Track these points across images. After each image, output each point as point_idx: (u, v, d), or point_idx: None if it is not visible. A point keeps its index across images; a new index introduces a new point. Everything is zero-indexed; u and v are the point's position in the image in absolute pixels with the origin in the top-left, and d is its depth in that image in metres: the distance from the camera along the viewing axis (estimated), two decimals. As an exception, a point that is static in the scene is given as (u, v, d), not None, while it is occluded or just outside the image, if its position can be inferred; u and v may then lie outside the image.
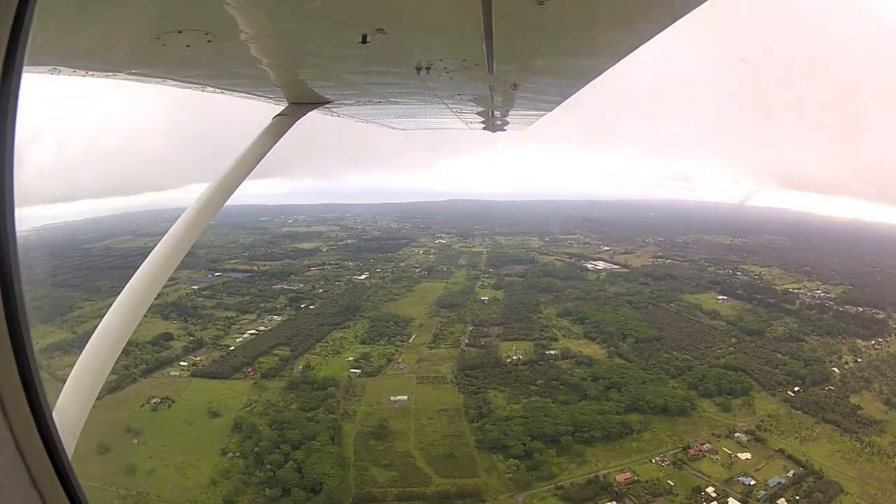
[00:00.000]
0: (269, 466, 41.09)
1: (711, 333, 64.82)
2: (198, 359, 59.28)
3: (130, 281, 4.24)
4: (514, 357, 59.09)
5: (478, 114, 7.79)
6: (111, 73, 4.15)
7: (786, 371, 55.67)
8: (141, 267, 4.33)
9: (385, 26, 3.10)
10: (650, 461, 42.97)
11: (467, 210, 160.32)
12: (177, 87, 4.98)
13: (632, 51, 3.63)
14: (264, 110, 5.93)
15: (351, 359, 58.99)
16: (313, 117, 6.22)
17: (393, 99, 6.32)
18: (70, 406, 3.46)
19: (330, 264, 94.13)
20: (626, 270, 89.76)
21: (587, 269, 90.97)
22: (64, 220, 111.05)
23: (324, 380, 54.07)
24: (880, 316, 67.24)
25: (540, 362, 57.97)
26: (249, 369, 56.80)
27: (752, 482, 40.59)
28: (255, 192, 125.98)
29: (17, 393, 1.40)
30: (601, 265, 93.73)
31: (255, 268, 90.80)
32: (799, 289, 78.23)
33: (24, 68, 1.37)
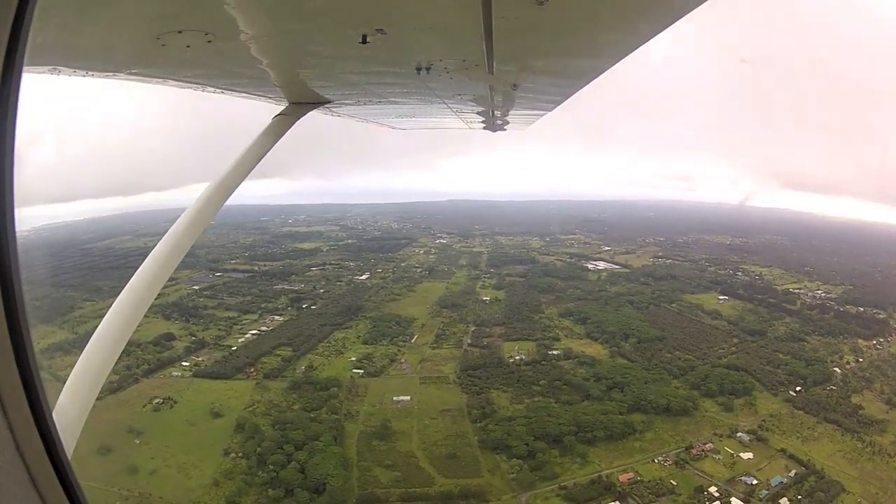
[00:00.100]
0: (271, 467, 41.03)
1: (713, 333, 64.96)
2: (200, 359, 59.18)
3: (130, 281, 4.24)
4: (517, 357, 59.13)
5: (478, 114, 7.78)
6: (111, 73, 4.15)
7: (787, 371, 55.81)
8: (141, 267, 4.33)
9: (385, 26, 3.10)
10: (653, 461, 43.05)
11: (467, 210, 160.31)
12: (177, 87, 4.97)
13: (632, 51, 3.62)
14: (264, 110, 5.93)
15: (353, 359, 58.96)
16: (313, 117, 6.22)
17: (393, 99, 6.31)
18: (70, 406, 3.45)
19: (331, 264, 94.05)
20: (627, 270, 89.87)
21: (588, 270, 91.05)
22: (64, 220, 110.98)
23: (326, 380, 54.04)
24: (881, 316, 67.41)
25: (542, 362, 58.01)
26: (252, 369, 56.72)
27: (755, 482, 40.69)
28: (255, 193, 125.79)
29: (17, 393, 1.40)
30: (602, 265, 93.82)
31: (256, 268, 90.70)
32: (800, 289, 78.42)
33: (24, 68, 1.36)
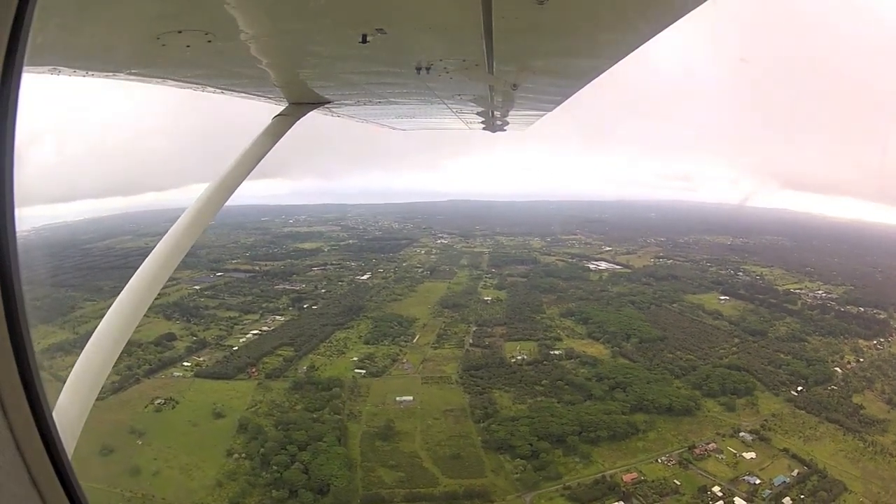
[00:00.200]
0: (275, 468, 40.94)
1: (714, 333, 65.11)
2: (201, 359, 59.02)
3: (130, 281, 4.23)
4: (519, 357, 59.16)
5: (478, 114, 7.78)
6: (111, 73, 4.14)
7: (789, 371, 55.98)
8: (141, 267, 4.32)
9: (385, 26, 3.10)
10: (656, 461, 43.13)
11: (468, 210, 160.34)
12: (177, 87, 4.96)
13: (632, 51, 3.62)
14: (264, 110, 5.93)
15: (355, 359, 58.90)
16: (313, 117, 6.22)
17: (393, 99, 6.31)
18: (70, 406, 3.45)
19: (332, 264, 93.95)
20: (629, 271, 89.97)
21: (589, 270, 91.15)
22: (64, 220, 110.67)
23: (328, 380, 53.97)
24: (881, 316, 67.63)
25: (544, 362, 58.05)
26: (253, 370, 56.60)
27: (758, 481, 40.83)
28: (255, 193, 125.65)
29: (17, 393, 1.40)
30: (603, 265, 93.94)
31: (257, 268, 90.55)
32: (800, 289, 78.61)
33: (24, 68, 1.36)
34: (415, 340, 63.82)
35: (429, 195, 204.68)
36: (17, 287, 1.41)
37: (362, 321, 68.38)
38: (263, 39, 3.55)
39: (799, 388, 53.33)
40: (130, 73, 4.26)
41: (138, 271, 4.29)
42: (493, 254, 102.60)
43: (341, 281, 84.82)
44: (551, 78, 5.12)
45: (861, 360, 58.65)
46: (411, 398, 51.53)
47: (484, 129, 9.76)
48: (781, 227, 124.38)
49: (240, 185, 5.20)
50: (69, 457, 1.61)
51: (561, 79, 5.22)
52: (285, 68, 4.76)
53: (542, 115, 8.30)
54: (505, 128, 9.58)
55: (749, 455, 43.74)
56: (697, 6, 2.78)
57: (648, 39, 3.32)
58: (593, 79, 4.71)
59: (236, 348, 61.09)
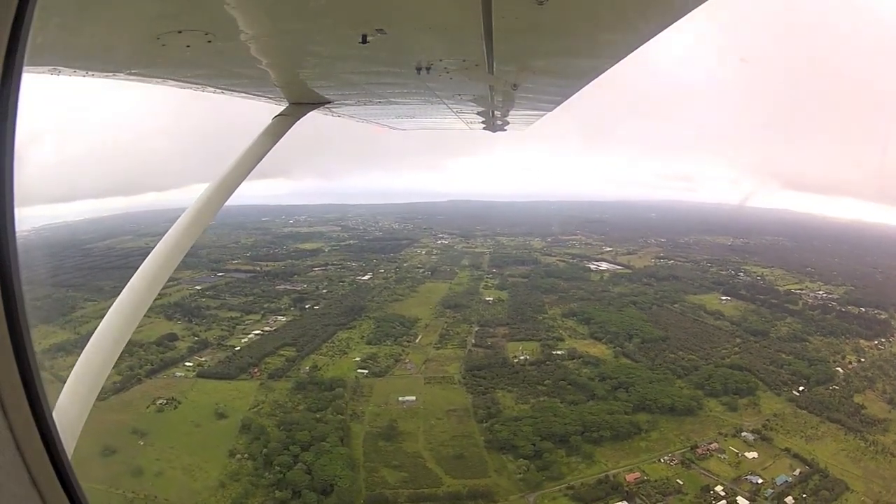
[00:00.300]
0: (278, 468, 40.87)
1: (716, 334, 65.23)
2: (203, 359, 58.92)
3: (130, 281, 4.23)
4: (521, 357, 59.18)
5: (478, 114, 7.78)
6: (111, 73, 4.14)
7: (790, 371, 56.12)
8: (141, 267, 4.32)
9: (385, 26, 3.10)
10: (659, 461, 43.19)
11: (468, 211, 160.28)
12: (177, 88, 4.96)
13: (632, 51, 3.62)
14: (264, 110, 5.92)
15: (358, 359, 58.87)
16: (313, 117, 6.22)
17: (393, 99, 6.31)
18: (70, 406, 3.45)
19: (333, 265, 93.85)
20: (629, 271, 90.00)
21: (590, 270, 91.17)
22: (64, 220, 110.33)
23: (331, 380, 53.91)
24: (882, 316, 67.80)
25: (547, 362, 58.10)
26: (256, 370, 56.54)
27: (760, 481, 40.92)
28: (255, 193, 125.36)
29: (17, 393, 1.40)
30: (604, 266, 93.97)
31: (258, 268, 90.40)
32: (801, 289, 78.76)
33: (24, 68, 1.36)
34: (417, 341, 63.81)
35: (429, 195, 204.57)
36: (17, 287, 1.41)
37: (364, 321, 68.34)
38: (263, 39, 3.55)
39: (800, 388, 53.46)
40: (130, 73, 4.26)
41: (138, 271, 4.30)
42: (494, 254, 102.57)
43: (342, 281, 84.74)
44: (551, 78, 5.12)
45: (862, 360, 58.81)
46: (414, 398, 51.51)
47: (484, 128, 9.76)
48: (782, 228, 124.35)
49: (240, 185, 5.21)
50: (69, 457, 1.61)
51: (561, 79, 5.21)
52: (285, 68, 4.75)
53: (542, 115, 8.29)
54: (505, 128, 9.57)
55: (751, 455, 43.85)
56: (697, 6, 2.78)
57: (648, 39, 3.32)
58: (593, 79, 4.70)
59: (238, 348, 60.98)
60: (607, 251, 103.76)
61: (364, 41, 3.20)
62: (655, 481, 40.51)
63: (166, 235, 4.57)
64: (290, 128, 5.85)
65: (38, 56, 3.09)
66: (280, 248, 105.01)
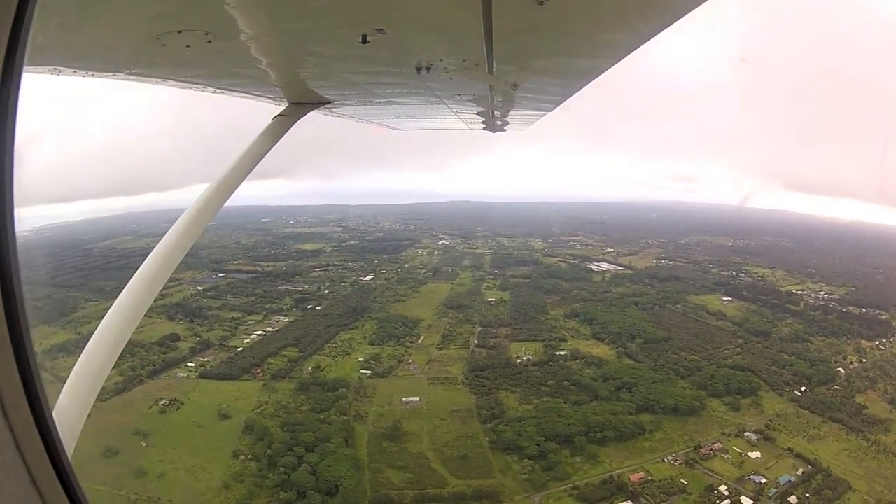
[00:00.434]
0: (282, 469, 40.76)
1: (718, 334, 65.41)
2: (205, 360, 58.76)
3: (130, 281, 4.22)
4: (524, 358, 59.22)
5: (478, 114, 7.79)
6: (111, 73, 4.14)
7: (792, 371, 56.35)
8: (141, 267, 4.31)
9: (385, 26, 3.10)
10: (663, 461, 43.30)
11: (468, 211, 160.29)
12: (177, 88, 4.96)
13: (632, 51, 3.63)
14: (264, 110, 5.92)
15: (360, 360, 58.80)
16: (313, 117, 6.22)
17: (393, 99, 6.30)
18: (70, 406, 3.46)
19: (334, 265, 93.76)
20: (631, 272, 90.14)
21: (592, 271, 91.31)
22: (65, 220, 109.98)
23: (334, 381, 53.83)
24: (883, 317, 68.05)
25: (550, 363, 58.16)
26: (258, 370, 56.40)
27: (763, 480, 41.09)
28: (256, 193, 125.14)
29: (17, 393, 1.40)
30: (606, 266, 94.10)
31: (259, 269, 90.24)
32: (802, 290, 79.03)
33: (24, 68, 1.37)
34: (420, 341, 63.78)
35: (429, 196, 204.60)
36: (17, 287, 1.41)
37: (367, 322, 68.29)
38: (263, 39, 3.55)
39: (803, 389, 53.67)
40: (130, 73, 4.26)
41: (138, 272, 4.29)
42: (495, 255, 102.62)
43: (344, 282, 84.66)
44: (551, 78, 5.11)
45: (863, 360, 59.08)
46: (417, 399, 51.49)
47: (484, 129, 9.75)
48: (782, 229, 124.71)
49: (240, 185, 5.21)
50: (69, 457, 1.61)
51: (561, 79, 5.21)
52: (285, 68, 4.74)
53: (542, 115, 8.28)
54: (505, 128, 9.57)
55: (754, 454, 44.01)
56: (697, 6, 2.78)
57: (648, 39, 3.32)
58: (593, 79, 4.70)
59: (241, 349, 60.83)
60: (608, 252, 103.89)
61: (364, 41, 3.20)
62: (660, 481, 40.61)
63: (166, 236, 4.57)
64: (290, 128, 5.84)
65: (38, 56, 3.09)
66: (281, 249, 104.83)
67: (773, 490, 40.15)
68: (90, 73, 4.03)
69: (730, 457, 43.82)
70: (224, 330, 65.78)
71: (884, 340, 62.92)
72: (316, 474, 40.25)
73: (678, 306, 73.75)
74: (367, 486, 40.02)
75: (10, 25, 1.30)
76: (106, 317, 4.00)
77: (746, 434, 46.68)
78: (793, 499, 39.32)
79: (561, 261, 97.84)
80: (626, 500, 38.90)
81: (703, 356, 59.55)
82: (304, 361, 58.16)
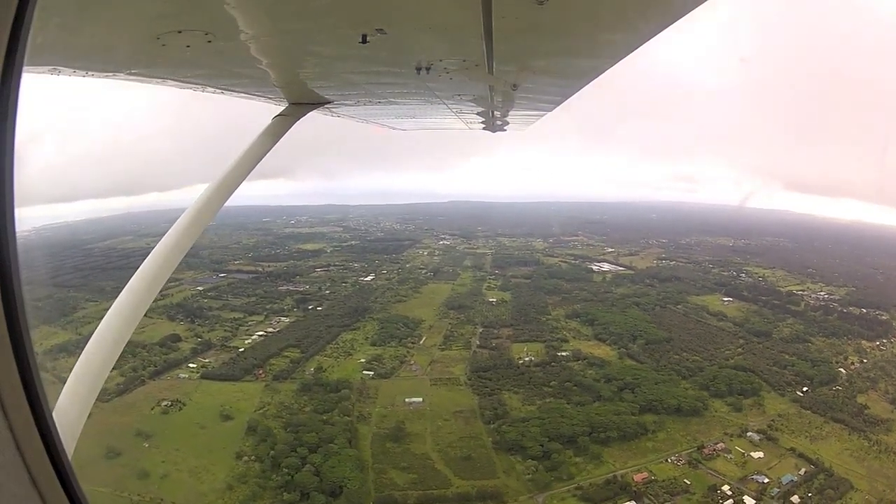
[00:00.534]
0: (286, 470, 40.69)
1: (719, 335, 65.59)
2: (207, 360, 58.59)
3: (130, 281, 4.22)
4: (527, 359, 59.25)
5: (478, 114, 7.78)
6: (111, 74, 4.13)
7: (794, 371, 56.55)
8: (140, 267, 4.30)
9: (385, 26, 3.10)
10: (666, 461, 43.41)
11: (468, 211, 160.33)
12: (177, 88, 4.96)
13: (632, 51, 3.63)
14: (264, 110, 5.92)
15: (363, 360, 58.74)
16: (313, 117, 6.21)
17: (393, 99, 6.29)
18: (70, 406, 3.45)
19: (335, 265, 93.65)
20: (632, 272, 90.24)
21: (593, 271, 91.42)
22: (65, 220, 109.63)
23: (337, 382, 53.79)
24: (884, 317, 68.30)
25: (552, 364, 58.21)
26: (260, 371, 56.28)
27: (766, 480, 41.26)
28: (256, 193, 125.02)
29: (17, 393, 1.40)
30: (606, 267, 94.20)
31: (260, 269, 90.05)
32: (803, 290, 79.28)
33: (24, 68, 1.37)
34: (422, 342, 63.75)
35: (429, 196, 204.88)
36: (17, 287, 1.40)
37: (368, 322, 68.22)
38: (263, 39, 3.54)
39: (804, 389, 53.87)
40: (130, 73, 4.25)
41: (138, 272, 4.28)
42: (496, 255, 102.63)
43: (345, 282, 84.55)
44: (551, 78, 5.10)
45: (864, 360, 59.32)
46: (420, 399, 51.46)
47: (484, 129, 9.75)
48: (783, 229, 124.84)
49: (240, 185, 5.21)
50: (69, 457, 1.61)
51: (561, 79, 5.20)
52: (285, 68, 4.73)
53: (542, 115, 8.28)
54: (505, 128, 9.55)
55: (757, 454, 44.16)
56: (697, 6, 2.78)
57: (648, 39, 3.32)
58: (593, 79, 4.70)
59: (242, 350, 60.69)
60: (609, 252, 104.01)
61: (364, 41, 3.19)
62: (663, 481, 40.70)
63: (166, 236, 4.55)
64: (290, 128, 5.83)
65: (38, 56, 3.08)
66: (282, 249, 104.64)
67: (776, 490, 40.31)
68: (90, 73, 4.02)
69: (732, 457, 43.97)
70: (225, 330, 65.61)
71: (884, 341, 63.14)
72: (320, 475, 40.19)
73: (679, 307, 73.89)
74: (371, 487, 39.99)
75: (10, 25, 1.29)
76: (106, 317, 3.98)
77: (749, 434, 46.84)
78: (795, 498, 39.49)
79: (562, 261, 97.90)
80: (629, 500, 38.96)
81: (705, 356, 59.69)
82: (306, 362, 58.06)
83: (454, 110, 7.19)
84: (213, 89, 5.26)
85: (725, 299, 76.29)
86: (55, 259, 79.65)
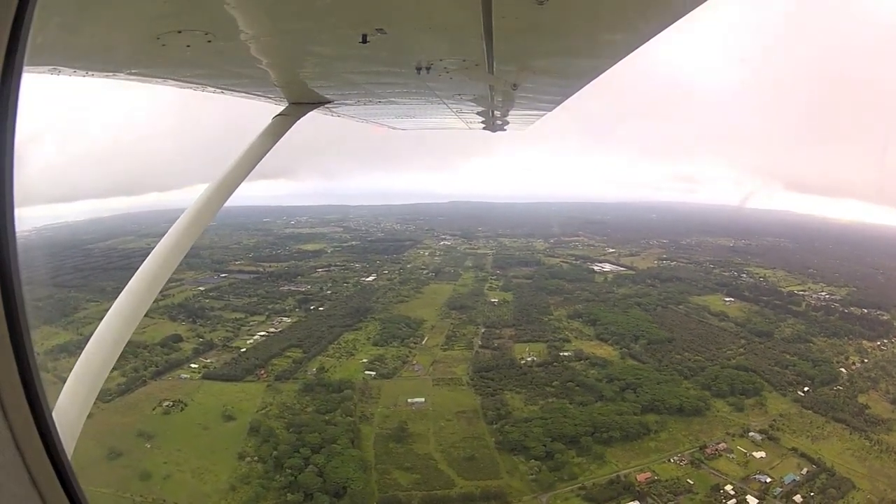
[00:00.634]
0: (289, 471, 40.64)
1: (721, 335, 65.69)
2: (208, 361, 58.50)
3: (130, 281, 4.21)
4: (529, 359, 59.28)
5: (478, 114, 7.78)
6: (111, 73, 4.13)
7: (795, 371, 56.68)
8: (140, 267, 4.30)
9: (385, 26, 3.10)
10: (669, 461, 43.46)
11: (469, 212, 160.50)
12: (177, 87, 4.95)
13: (632, 51, 3.63)
14: (264, 110, 5.92)
15: (365, 360, 58.70)
16: (313, 117, 6.21)
17: (393, 99, 6.28)
18: (70, 406, 3.45)
19: (336, 266, 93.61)
20: (633, 272, 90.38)
21: (594, 272, 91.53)
22: (66, 220, 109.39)
23: (339, 382, 53.72)
24: (884, 317, 68.51)
25: (554, 364, 58.23)
26: (262, 371, 56.19)
27: (768, 480, 41.34)
28: (256, 193, 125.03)
29: (17, 393, 1.40)
30: (608, 267, 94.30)
31: (261, 269, 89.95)
32: (804, 291, 79.50)
33: (24, 68, 1.37)
34: (424, 342, 63.73)
35: (430, 196, 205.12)
36: (17, 287, 1.40)
37: (370, 323, 68.19)
38: (263, 39, 3.54)
39: (805, 389, 54.00)
40: (130, 73, 4.25)
41: (138, 272, 4.27)
42: (497, 255, 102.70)
43: (346, 282, 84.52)
44: (551, 78, 5.10)
45: (865, 360, 59.49)
46: (423, 400, 51.43)
47: (484, 128, 9.75)
48: (783, 229, 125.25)
49: (240, 185, 5.20)
50: (69, 457, 1.61)
51: (561, 79, 5.20)
52: (285, 68, 4.73)
53: (542, 115, 8.27)
54: (505, 128, 9.55)
55: (759, 454, 44.25)
56: (697, 6, 2.78)
57: (648, 39, 3.32)
58: (593, 79, 4.70)
59: (244, 350, 60.60)
60: (610, 252, 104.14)
61: (364, 41, 3.19)
62: (666, 481, 40.75)
63: (166, 236, 4.55)
64: (290, 128, 5.83)
65: (38, 56, 3.07)
66: (282, 249, 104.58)
67: (779, 489, 40.40)
68: (90, 73, 4.01)
69: (735, 456, 44.05)
70: (227, 331, 65.51)
71: (885, 341, 63.32)
72: (323, 475, 40.14)
73: (680, 307, 74.00)
74: (375, 488, 39.95)
75: (10, 25, 1.29)
76: (106, 317, 3.97)
77: (751, 434, 46.92)
78: (798, 498, 39.60)
79: (563, 261, 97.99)
80: (633, 500, 38.99)
81: (707, 357, 59.78)
82: (308, 362, 57.99)
83: (454, 110, 7.18)
84: (213, 89, 5.25)
85: (727, 299, 76.40)
86: (55, 259, 79.48)
